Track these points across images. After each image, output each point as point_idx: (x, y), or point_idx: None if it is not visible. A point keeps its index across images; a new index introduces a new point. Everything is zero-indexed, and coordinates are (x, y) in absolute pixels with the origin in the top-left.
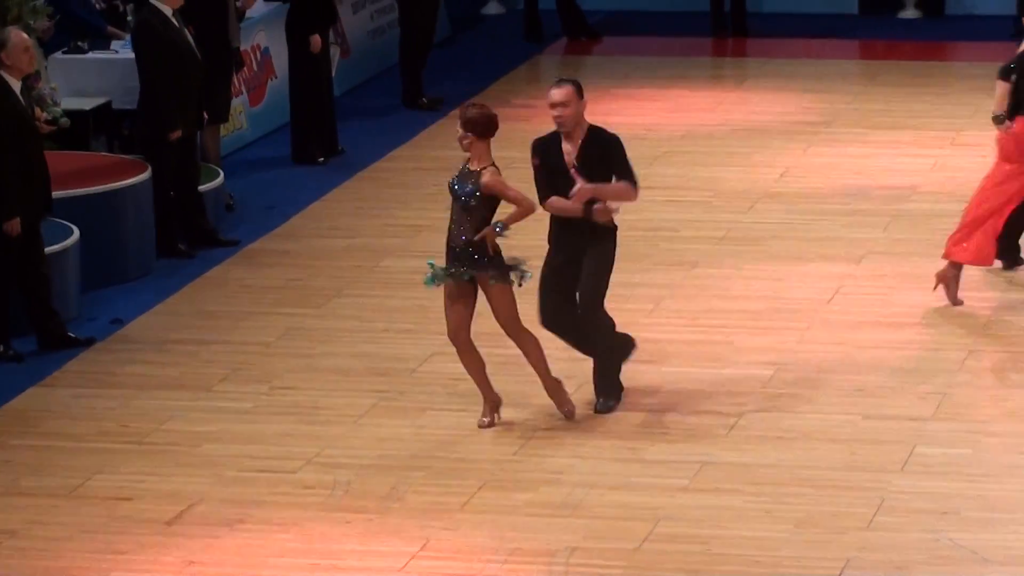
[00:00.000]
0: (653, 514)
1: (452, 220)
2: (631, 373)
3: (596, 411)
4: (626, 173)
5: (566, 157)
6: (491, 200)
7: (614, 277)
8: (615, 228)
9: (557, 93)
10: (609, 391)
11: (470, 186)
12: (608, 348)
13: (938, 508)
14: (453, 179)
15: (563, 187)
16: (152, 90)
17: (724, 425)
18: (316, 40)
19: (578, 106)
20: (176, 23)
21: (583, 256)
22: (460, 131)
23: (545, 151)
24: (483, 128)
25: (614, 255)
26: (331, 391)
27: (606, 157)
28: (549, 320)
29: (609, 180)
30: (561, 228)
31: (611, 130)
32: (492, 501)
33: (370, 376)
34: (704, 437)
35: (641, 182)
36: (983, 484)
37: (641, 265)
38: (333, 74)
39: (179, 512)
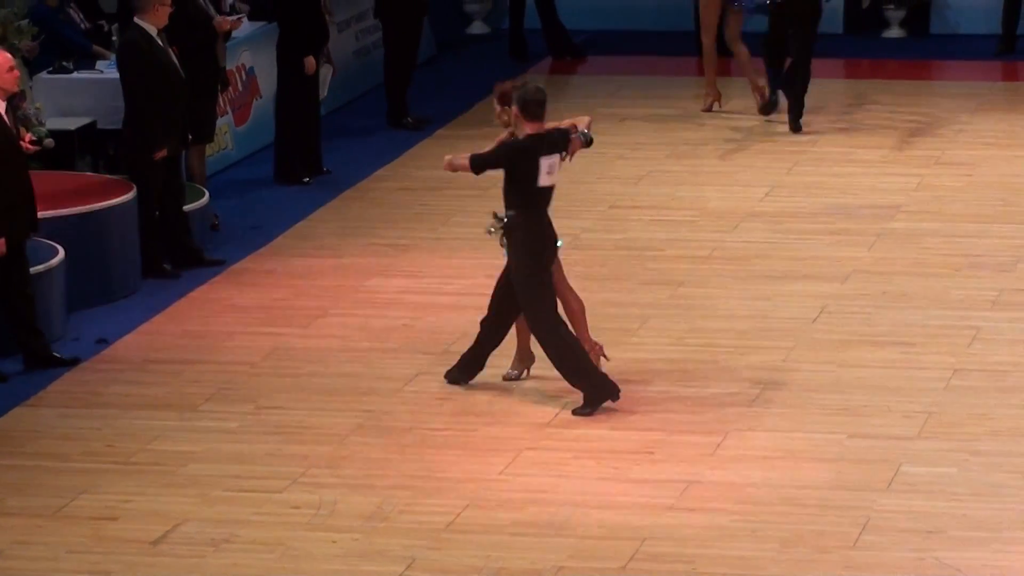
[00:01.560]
0: (639, 533)
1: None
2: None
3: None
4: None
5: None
6: None
7: (600, 296)
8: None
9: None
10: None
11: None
12: (567, 369)
13: (924, 527)
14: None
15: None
16: (137, 110)
17: (710, 444)
18: (310, 61)
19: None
20: (161, 43)
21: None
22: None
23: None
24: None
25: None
26: (317, 411)
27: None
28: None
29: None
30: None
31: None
32: (478, 520)
33: (356, 396)
34: (690, 456)
35: (627, 201)
36: (969, 503)
37: (626, 284)
38: (325, 94)
39: (165, 532)
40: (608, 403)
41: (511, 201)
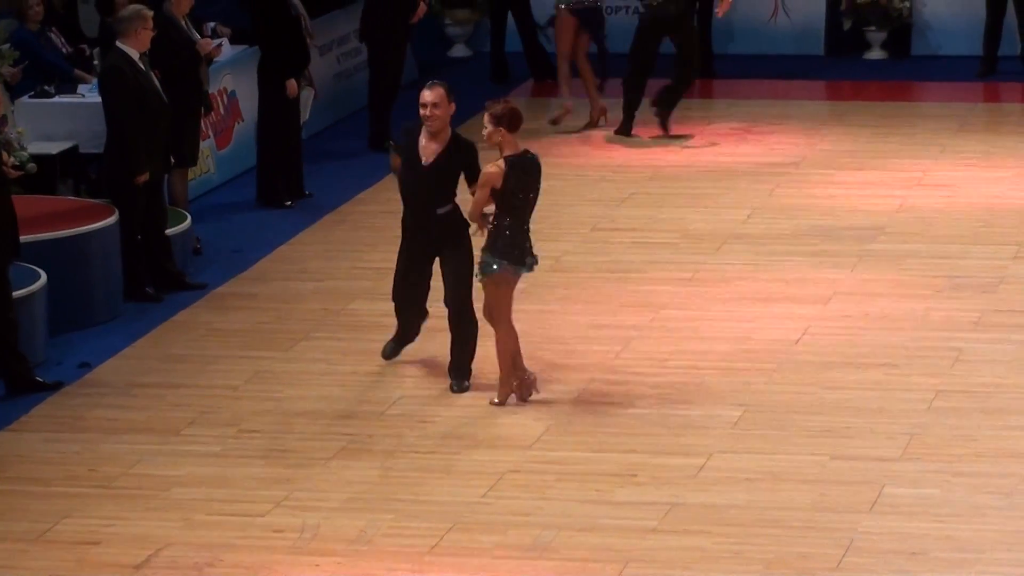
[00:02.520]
0: (622, 556)
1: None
2: (600, 415)
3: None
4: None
5: (422, 154)
6: None
7: (582, 319)
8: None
9: (429, 94)
10: (464, 375)
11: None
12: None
13: (907, 548)
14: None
15: (411, 177)
16: (119, 134)
17: (693, 466)
18: (292, 85)
19: (448, 109)
20: (143, 67)
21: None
22: (489, 127)
23: (407, 138)
24: (511, 121)
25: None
26: (299, 434)
27: (467, 163)
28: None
29: (456, 181)
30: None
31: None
32: (461, 543)
33: (338, 419)
34: (673, 478)
35: (608, 224)
36: (952, 524)
37: (608, 307)
38: (307, 117)
39: (148, 556)
40: (589, 427)
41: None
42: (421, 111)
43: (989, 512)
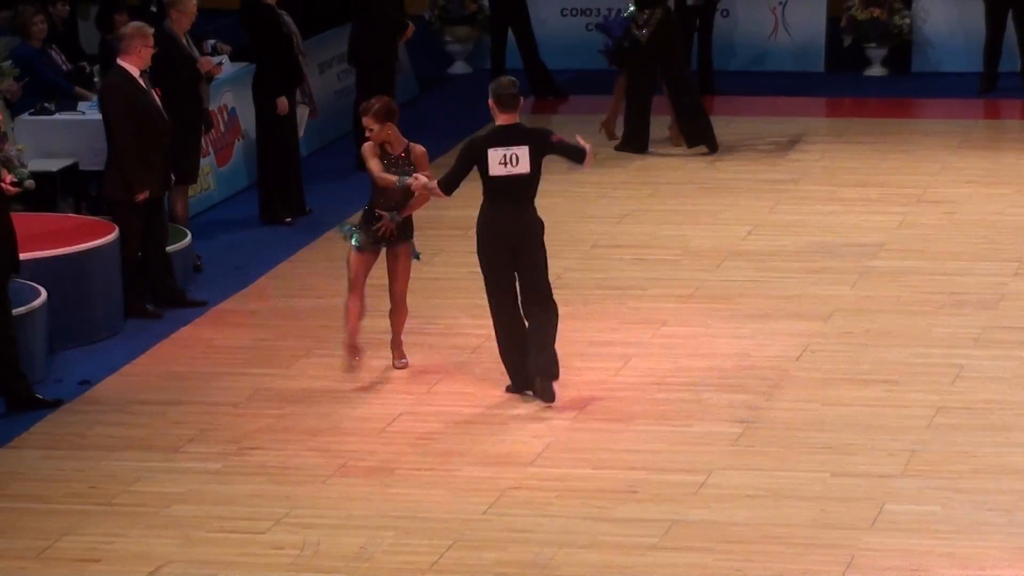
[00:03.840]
0: (623, 573)
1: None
2: (601, 432)
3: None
4: None
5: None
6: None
7: (583, 335)
8: None
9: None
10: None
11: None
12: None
13: (908, 565)
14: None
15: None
16: (119, 151)
17: (694, 483)
18: (282, 102)
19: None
20: (143, 84)
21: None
22: (376, 126)
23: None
24: (387, 114)
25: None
26: (300, 451)
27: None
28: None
29: None
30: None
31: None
32: (462, 560)
33: (339, 436)
34: (674, 495)
35: (609, 240)
36: (953, 541)
37: (609, 324)
38: (302, 134)
39: (148, 573)
40: (590, 444)
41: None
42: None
43: (990, 529)
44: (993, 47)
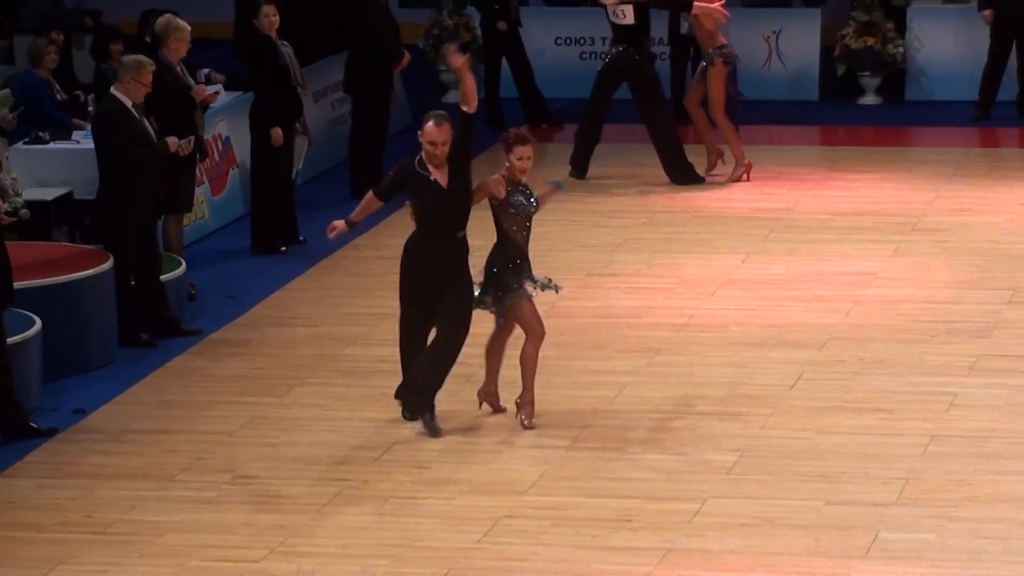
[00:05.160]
0: None
1: (523, 238)
2: (595, 461)
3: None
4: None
5: (439, 180)
6: None
7: (577, 364)
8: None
9: (440, 132)
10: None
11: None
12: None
13: None
14: (518, 199)
15: (433, 204)
16: (111, 180)
17: (688, 511)
18: (277, 133)
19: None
20: (136, 114)
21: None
22: (529, 151)
23: (411, 174)
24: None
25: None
26: (294, 480)
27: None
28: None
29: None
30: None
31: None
32: None
33: (333, 465)
34: (668, 524)
35: (603, 269)
36: (947, 569)
37: (603, 352)
38: (300, 165)
39: None
40: (584, 472)
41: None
42: (430, 148)
43: (985, 557)
44: (993, 75)
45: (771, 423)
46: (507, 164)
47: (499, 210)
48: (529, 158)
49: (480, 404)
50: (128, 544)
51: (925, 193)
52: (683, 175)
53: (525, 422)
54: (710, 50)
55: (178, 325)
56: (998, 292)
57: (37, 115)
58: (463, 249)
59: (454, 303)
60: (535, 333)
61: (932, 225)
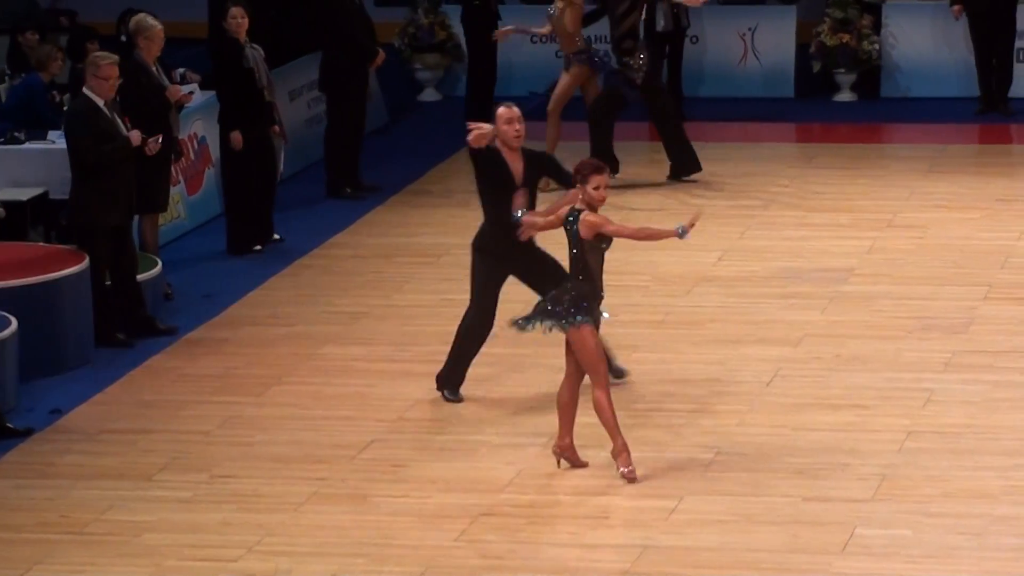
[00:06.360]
0: None
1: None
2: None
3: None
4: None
5: (514, 174)
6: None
7: (555, 362)
8: None
9: (515, 111)
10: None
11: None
12: None
13: None
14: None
15: (507, 200)
16: (83, 179)
17: (665, 508)
18: (236, 137)
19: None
20: (107, 112)
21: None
22: (602, 178)
23: (489, 163)
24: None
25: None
26: (271, 479)
27: (551, 167)
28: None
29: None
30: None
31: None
32: None
33: (310, 463)
34: (645, 521)
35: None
36: (924, 565)
37: None
38: (281, 167)
39: None
40: (561, 469)
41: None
42: (509, 128)
43: (961, 553)
44: (983, 66)
45: (748, 420)
46: (581, 196)
47: (592, 245)
48: (607, 187)
49: (558, 462)
50: (105, 544)
51: (900, 189)
52: (683, 166)
53: (626, 472)
54: (571, 53)
55: (154, 324)
56: (974, 288)
57: (32, 116)
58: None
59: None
60: (599, 373)
61: (908, 221)
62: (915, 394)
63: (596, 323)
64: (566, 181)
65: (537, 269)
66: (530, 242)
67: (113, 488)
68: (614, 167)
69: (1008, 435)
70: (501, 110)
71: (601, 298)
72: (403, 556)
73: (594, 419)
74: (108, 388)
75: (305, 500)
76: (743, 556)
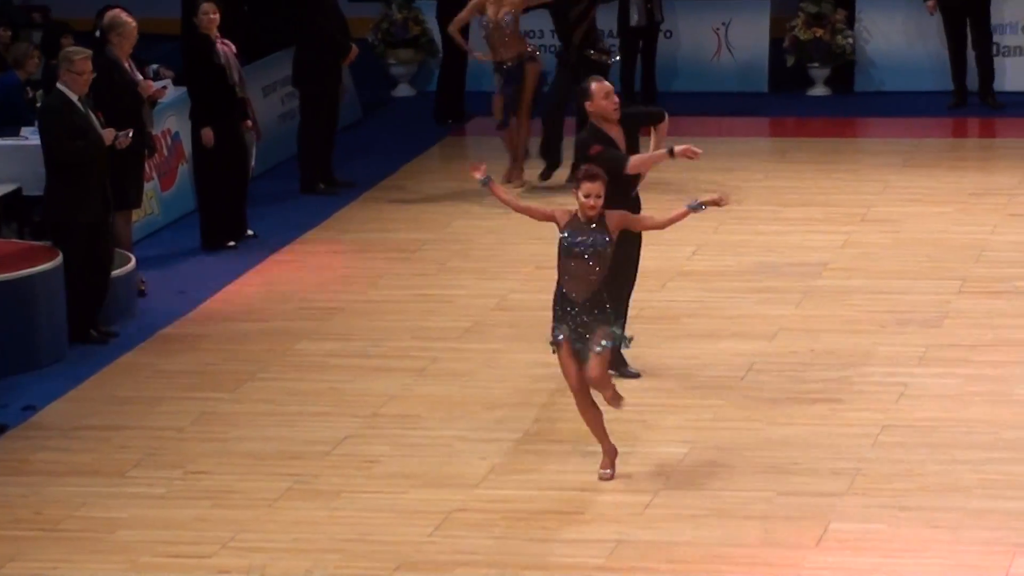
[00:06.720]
0: None
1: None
2: (546, 453)
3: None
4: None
5: (620, 144)
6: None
7: (528, 356)
8: None
9: (608, 85)
10: None
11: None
12: None
13: None
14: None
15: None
16: (57, 175)
17: (639, 503)
18: (207, 133)
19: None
20: (82, 108)
21: None
22: (593, 187)
23: (599, 142)
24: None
25: None
26: (245, 475)
27: (640, 121)
28: None
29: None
30: None
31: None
32: None
33: (284, 459)
34: (619, 516)
35: (553, 262)
36: (899, 559)
37: None
38: (253, 163)
39: None
40: (535, 465)
41: None
42: (608, 103)
43: (936, 546)
44: (957, 60)
45: (722, 414)
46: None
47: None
48: (599, 196)
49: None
50: (79, 541)
51: (874, 184)
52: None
53: (603, 474)
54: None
55: (96, 326)
56: (947, 282)
57: (10, 115)
58: None
59: None
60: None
61: (882, 215)
62: (889, 388)
63: (569, 332)
64: (658, 119)
65: None
66: None
67: (87, 485)
68: (555, 164)
69: (982, 429)
70: (595, 86)
71: (569, 300)
72: (377, 552)
73: (576, 418)
74: (82, 384)
75: (279, 496)
76: (717, 550)
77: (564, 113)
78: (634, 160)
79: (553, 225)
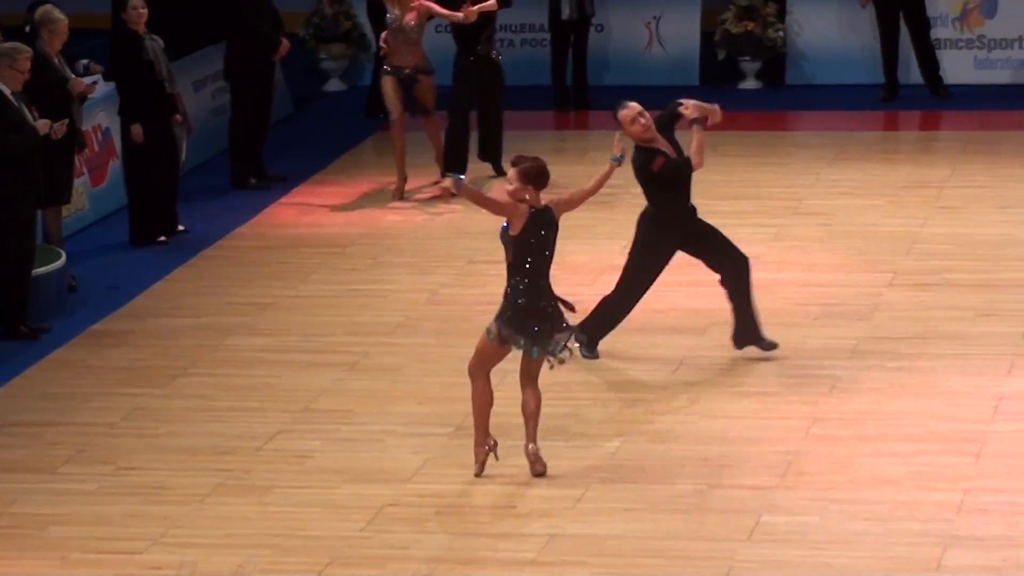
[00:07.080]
0: None
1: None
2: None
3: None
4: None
5: (671, 154)
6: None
7: (460, 351)
8: None
9: (635, 109)
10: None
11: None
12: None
13: None
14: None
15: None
16: None
17: (571, 497)
18: (136, 130)
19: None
20: (15, 102)
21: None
22: (517, 184)
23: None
24: (539, 179)
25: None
26: (176, 471)
27: (668, 125)
28: None
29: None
30: None
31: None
32: None
33: (215, 455)
34: (551, 509)
35: (484, 256)
36: (829, 551)
37: None
38: (184, 156)
39: None
40: (468, 459)
41: None
42: (636, 127)
43: (866, 538)
44: (889, 54)
45: (653, 408)
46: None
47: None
48: (531, 199)
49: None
50: (10, 538)
51: (806, 177)
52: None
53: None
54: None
55: (26, 322)
56: (879, 275)
57: None
58: None
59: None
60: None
61: (813, 208)
62: (820, 381)
63: (501, 325)
64: (675, 114)
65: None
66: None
67: (18, 481)
68: (462, 167)
69: (912, 421)
70: (622, 114)
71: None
72: (309, 547)
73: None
74: (12, 380)
75: (211, 492)
76: (649, 544)
77: (469, 123)
78: (695, 158)
79: (483, 218)
